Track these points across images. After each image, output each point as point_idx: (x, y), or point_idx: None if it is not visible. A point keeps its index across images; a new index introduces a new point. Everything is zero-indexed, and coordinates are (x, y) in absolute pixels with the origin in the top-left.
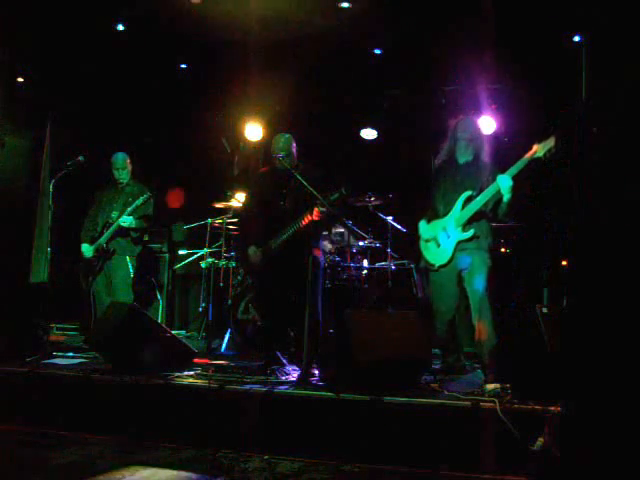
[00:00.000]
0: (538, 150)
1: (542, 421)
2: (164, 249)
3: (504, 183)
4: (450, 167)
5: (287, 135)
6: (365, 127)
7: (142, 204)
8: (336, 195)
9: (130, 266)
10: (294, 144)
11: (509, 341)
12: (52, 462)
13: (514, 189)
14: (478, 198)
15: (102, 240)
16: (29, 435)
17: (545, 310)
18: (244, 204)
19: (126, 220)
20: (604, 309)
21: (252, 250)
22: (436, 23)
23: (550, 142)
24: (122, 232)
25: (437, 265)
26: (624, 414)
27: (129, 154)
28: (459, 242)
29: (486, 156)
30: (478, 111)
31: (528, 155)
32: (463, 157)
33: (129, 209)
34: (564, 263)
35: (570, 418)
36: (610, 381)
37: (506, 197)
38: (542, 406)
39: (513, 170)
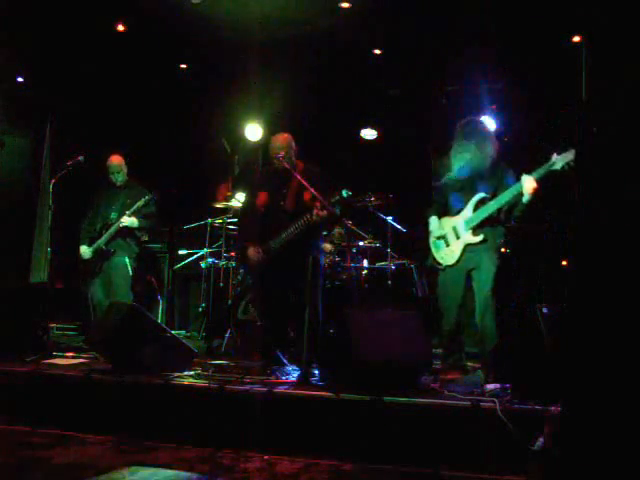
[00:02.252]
0: (557, 162)
1: (542, 421)
2: (164, 249)
3: (528, 184)
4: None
5: (286, 135)
6: (365, 127)
7: (144, 205)
8: (337, 198)
9: (129, 267)
10: (293, 144)
11: (509, 341)
12: (52, 462)
13: (536, 192)
14: (491, 202)
15: (101, 242)
16: (29, 435)
17: (545, 310)
18: (244, 204)
19: (132, 222)
20: (604, 309)
21: (252, 250)
22: (436, 23)
23: (569, 155)
24: (122, 233)
25: (444, 265)
26: (624, 414)
27: (128, 154)
28: (468, 245)
29: (498, 157)
30: (478, 111)
31: (547, 165)
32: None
33: (130, 210)
34: (564, 263)
35: (570, 418)
36: (610, 381)
37: (526, 198)
38: (542, 406)
39: (536, 175)
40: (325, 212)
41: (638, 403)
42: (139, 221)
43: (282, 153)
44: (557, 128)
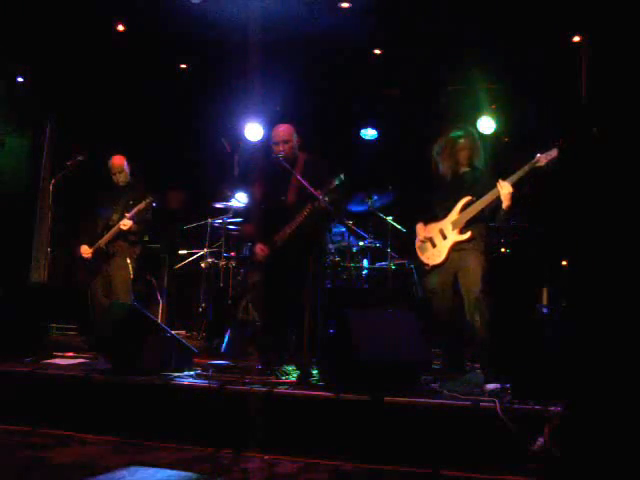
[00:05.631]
0: (540, 160)
1: (542, 421)
2: (164, 249)
3: (504, 190)
4: (449, 176)
5: (287, 125)
6: (365, 127)
7: (144, 208)
8: (336, 182)
9: (130, 268)
10: (295, 135)
11: (509, 341)
12: (52, 462)
13: (513, 196)
14: (476, 203)
15: (102, 242)
16: (29, 435)
17: (545, 310)
18: (249, 199)
19: (127, 223)
20: (604, 309)
21: (257, 247)
22: (436, 23)
23: (552, 153)
24: (122, 234)
25: (431, 265)
26: (624, 414)
27: (128, 154)
28: (455, 243)
29: (483, 164)
30: (478, 111)
31: (530, 164)
32: (462, 168)
33: (129, 214)
34: (564, 263)
35: (570, 418)
36: (610, 381)
37: (505, 204)
38: (542, 406)
39: (514, 177)
40: (325, 202)
41: (638, 403)
42: (136, 226)
43: (282, 149)
44: (559, 139)
